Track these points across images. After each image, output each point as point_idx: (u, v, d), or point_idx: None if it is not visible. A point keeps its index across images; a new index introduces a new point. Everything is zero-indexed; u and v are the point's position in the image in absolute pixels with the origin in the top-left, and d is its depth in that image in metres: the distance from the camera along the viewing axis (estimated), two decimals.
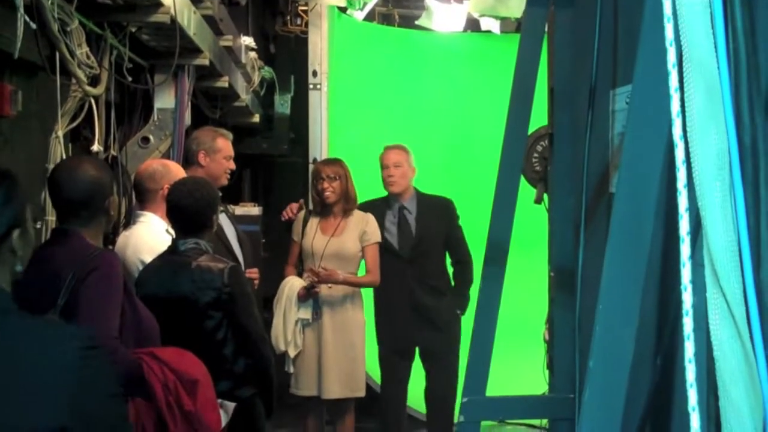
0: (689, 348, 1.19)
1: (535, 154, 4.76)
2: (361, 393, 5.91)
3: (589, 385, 1.99)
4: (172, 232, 3.99)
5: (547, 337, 4.43)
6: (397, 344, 6.31)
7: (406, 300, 6.16)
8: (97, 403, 1.88)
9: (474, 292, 5.79)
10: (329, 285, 5.75)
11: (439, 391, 6.34)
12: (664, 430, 2.25)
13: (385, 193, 6.31)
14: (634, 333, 2.00)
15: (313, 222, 5.91)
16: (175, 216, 3.88)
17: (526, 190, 3.88)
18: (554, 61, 3.64)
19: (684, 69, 1.22)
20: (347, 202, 5.88)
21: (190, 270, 3.75)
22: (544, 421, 5.92)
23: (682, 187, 1.19)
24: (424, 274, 6.19)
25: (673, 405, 2.16)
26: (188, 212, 3.83)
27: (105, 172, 3.26)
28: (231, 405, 3.41)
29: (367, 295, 6.30)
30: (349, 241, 5.83)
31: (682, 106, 1.20)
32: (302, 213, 6.01)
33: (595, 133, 3.02)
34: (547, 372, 4.15)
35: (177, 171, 4.31)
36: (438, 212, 6.29)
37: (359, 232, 5.87)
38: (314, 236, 5.85)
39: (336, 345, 5.77)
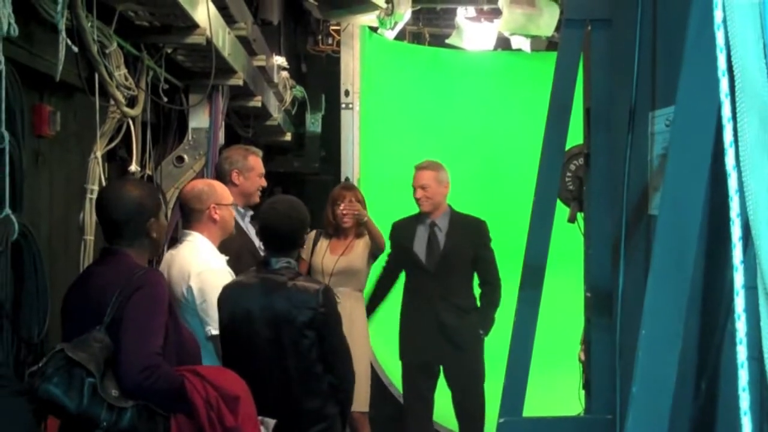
0: (743, 376, 1.19)
1: (569, 174, 4.75)
2: (363, 408, 5.99)
3: (633, 410, 1.98)
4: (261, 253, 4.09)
5: (582, 358, 4.40)
6: (419, 360, 6.39)
7: (430, 316, 6.24)
8: None
9: (503, 313, 5.87)
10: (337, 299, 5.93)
11: (465, 412, 6.38)
12: None
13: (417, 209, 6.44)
14: (678, 358, 1.98)
15: (324, 242, 6.11)
16: (270, 236, 3.95)
17: (559, 209, 3.87)
18: (590, 82, 3.63)
19: (737, 99, 1.21)
20: (359, 226, 6.16)
21: (287, 289, 3.82)
22: None
23: (735, 216, 1.18)
24: (449, 292, 6.25)
25: (717, 430, 2.14)
26: (283, 232, 3.91)
27: (149, 195, 3.31)
28: (271, 422, 3.44)
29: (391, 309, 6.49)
30: (357, 259, 6.11)
31: (735, 136, 1.20)
32: (313, 233, 6.13)
33: (633, 154, 3.02)
34: (582, 392, 4.12)
35: (222, 191, 4.34)
36: (468, 232, 6.36)
37: (368, 250, 6.16)
38: (324, 255, 6.08)
39: None
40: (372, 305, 6.59)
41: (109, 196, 3.29)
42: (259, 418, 3.32)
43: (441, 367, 6.42)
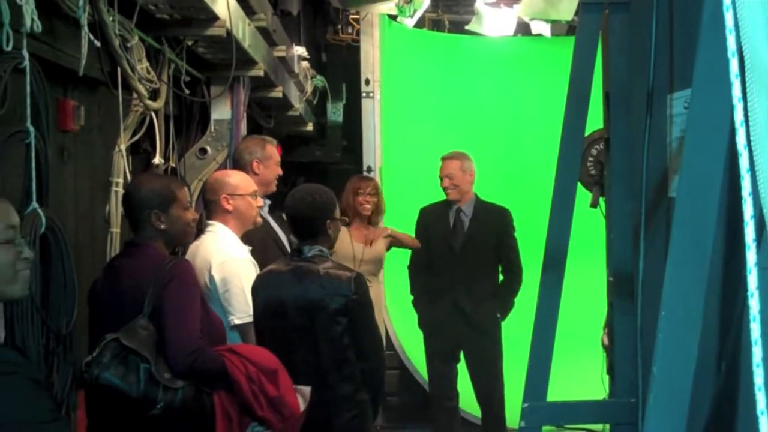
0: (757, 353, 1.20)
1: (590, 158, 4.76)
2: None
3: (654, 391, 2.00)
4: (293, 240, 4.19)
5: (605, 342, 4.41)
6: (441, 342, 6.53)
7: (450, 299, 6.41)
8: None
9: (524, 299, 5.92)
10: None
11: (485, 395, 6.51)
12: None
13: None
14: (698, 339, 2.00)
15: (344, 231, 6.14)
16: (293, 222, 4.01)
17: (581, 194, 3.88)
18: (609, 66, 3.64)
19: (747, 78, 1.23)
20: (377, 215, 6.57)
21: (319, 276, 3.86)
22: (605, 426, 5.91)
23: (747, 195, 1.19)
24: (471, 277, 6.40)
25: (738, 411, 2.15)
26: (303, 217, 3.94)
27: (159, 187, 3.42)
28: (307, 389, 3.54)
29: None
30: (381, 248, 6.46)
31: (746, 115, 1.21)
32: None
33: (653, 138, 3.02)
34: (606, 377, 4.14)
35: (237, 182, 4.33)
36: (492, 219, 6.52)
37: (386, 240, 6.49)
38: (352, 244, 6.31)
39: None
40: (420, 295, 6.74)
41: (128, 190, 3.47)
42: (295, 387, 3.46)
43: (461, 351, 6.55)
